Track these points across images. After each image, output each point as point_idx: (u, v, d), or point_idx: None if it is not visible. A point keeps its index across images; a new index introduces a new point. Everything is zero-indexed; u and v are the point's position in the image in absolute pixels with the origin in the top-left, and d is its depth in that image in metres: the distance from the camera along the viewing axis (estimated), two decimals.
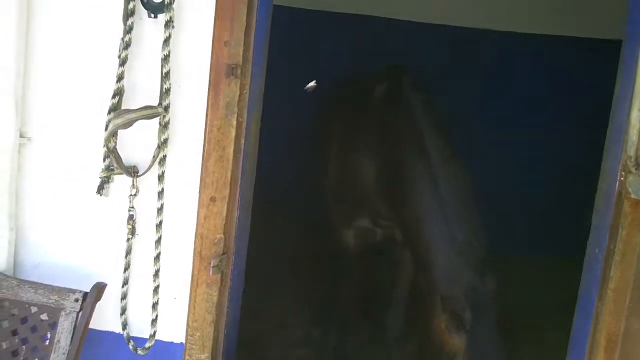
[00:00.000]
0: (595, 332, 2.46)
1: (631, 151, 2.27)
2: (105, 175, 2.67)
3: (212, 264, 2.64)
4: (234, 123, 2.57)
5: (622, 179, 2.38)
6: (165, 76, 2.55)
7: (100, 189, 2.68)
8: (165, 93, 2.57)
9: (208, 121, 2.60)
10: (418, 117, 3.71)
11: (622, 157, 2.38)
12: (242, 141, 2.62)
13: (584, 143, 4.41)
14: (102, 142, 2.62)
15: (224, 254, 2.67)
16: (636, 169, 2.25)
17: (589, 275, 2.60)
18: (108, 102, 2.59)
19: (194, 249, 2.68)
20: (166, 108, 2.58)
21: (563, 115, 5.95)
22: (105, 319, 2.77)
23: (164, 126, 2.60)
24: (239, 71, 2.55)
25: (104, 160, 2.67)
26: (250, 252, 3.08)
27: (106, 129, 2.59)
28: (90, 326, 2.68)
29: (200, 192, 2.64)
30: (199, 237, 2.66)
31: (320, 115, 4.89)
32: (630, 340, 2.31)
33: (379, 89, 4.08)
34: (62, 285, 2.65)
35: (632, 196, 2.30)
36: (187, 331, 2.73)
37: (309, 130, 5.08)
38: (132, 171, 2.66)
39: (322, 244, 4.93)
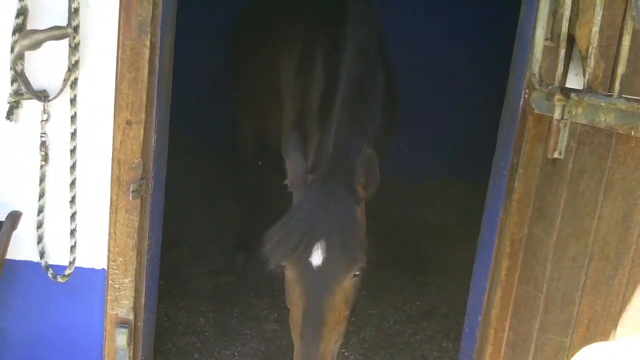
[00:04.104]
0: (500, 241, 2.63)
1: (535, 68, 2.37)
2: (13, 100, 2.57)
3: (131, 189, 2.62)
4: (148, 43, 2.52)
5: (526, 96, 2.50)
6: None
7: (9, 114, 2.59)
8: (74, 13, 2.48)
9: (120, 42, 2.53)
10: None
11: (526, 75, 2.50)
12: (157, 62, 2.57)
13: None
14: (8, 65, 2.51)
15: (142, 178, 2.66)
16: (539, 85, 2.36)
17: (495, 188, 2.75)
18: (12, 23, 2.47)
19: (112, 174, 2.65)
20: (76, 28, 2.49)
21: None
22: (22, 248, 2.73)
23: (75, 47, 2.52)
24: None
25: (12, 84, 2.56)
26: (169, 181, 3.06)
27: (12, 51, 2.48)
28: (8, 257, 2.64)
29: (115, 115, 2.59)
30: (116, 162, 2.63)
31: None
32: (531, 245, 2.48)
33: None
34: None
35: (536, 111, 2.43)
36: (108, 257, 2.73)
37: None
38: (42, 95, 2.58)
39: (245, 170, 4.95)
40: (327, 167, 2.64)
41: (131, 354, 2.83)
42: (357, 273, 2.49)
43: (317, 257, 2.39)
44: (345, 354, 4.02)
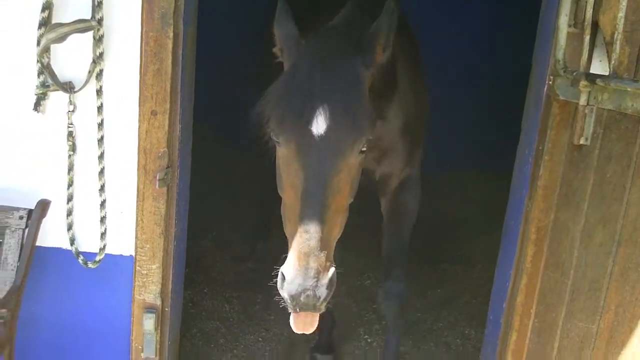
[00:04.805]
0: (526, 228, 2.62)
1: (559, 55, 2.35)
2: (40, 92, 2.61)
3: (157, 177, 2.65)
4: (171, 34, 2.54)
5: (550, 82, 2.48)
6: None
7: (37, 106, 2.63)
8: (97, 6, 2.51)
9: (143, 33, 2.55)
10: None
11: (550, 61, 2.48)
12: (180, 53, 2.59)
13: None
14: (35, 58, 2.55)
15: (168, 167, 2.69)
16: (564, 72, 2.34)
17: (520, 176, 2.74)
18: (38, 16, 2.51)
19: (138, 163, 2.68)
20: (99, 21, 2.52)
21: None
22: (52, 236, 2.78)
23: (99, 40, 2.55)
24: None
25: (39, 76, 2.60)
26: (192, 171, 3.08)
27: (38, 44, 2.52)
28: (38, 244, 2.69)
29: (140, 106, 2.62)
30: (142, 151, 2.66)
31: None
32: (558, 232, 2.47)
33: None
34: (5, 205, 2.64)
35: (560, 98, 2.41)
36: (136, 244, 2.77)
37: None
38: (68, 87, 2.61)
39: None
40: (332, 24, 2.26)
41: (158, 339, 2.88)
42: (364, 149, 2.15)
43: (318, 125, 2.01)
44: (369, 340, 4.05)
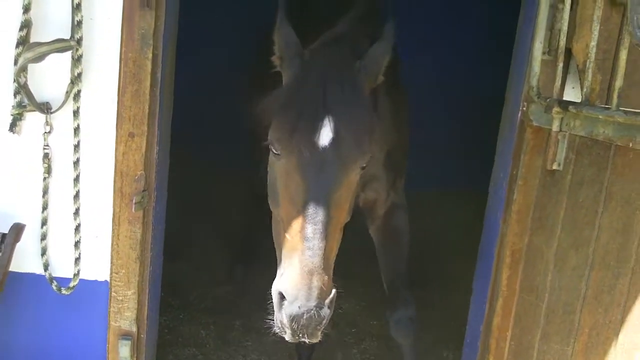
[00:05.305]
0: (500, 251, 2.65)
1: (533, 82, 2.40)
2: (16, 112, 2.58)
3: (134, 201, 2.63)
4: (150, 56, 2.54)
5: (524, 108, 2.52)
6: (77, 7, 2.48)
7: (12, 127, 2.60)
8: (77, 25, 2.50)
9: (123, 54, 2.55)
10: None
11: (524, 87, 2.52)
12: (159, 74, 2.59)
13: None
14: (11, 77, 2.53)
15: (145, 190, 2.67)
16: (538, 98, 2.39)
17: (494, 199, 2.78)
18: (15, 35, 2.49)
19: (114, 187, 2.66)
20: (79, 41, 2.52)
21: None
22: (25, 261, 2.73)
23: (77, 60, 2.54)
24: (153, 2, 2.50)
25: (15, 96, 2.58)
26: (168, 193, 3.05)
27: (15, 64, 2.50)
28: (11, 269, 2.64)
29: (117, 127, 2.61)
30: (119, 174, 2.64)
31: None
32: (532, 255, 2.50)
33: None
34: None
35: (534, 124, 2.45)
36: (111, 269, 2.73)
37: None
38: (45, 108, 2.59)
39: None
40: (333, 36, 2.23)
41: None
42: (364, 166, 2.12)
43: (325, 139, 1.98)
44: None
